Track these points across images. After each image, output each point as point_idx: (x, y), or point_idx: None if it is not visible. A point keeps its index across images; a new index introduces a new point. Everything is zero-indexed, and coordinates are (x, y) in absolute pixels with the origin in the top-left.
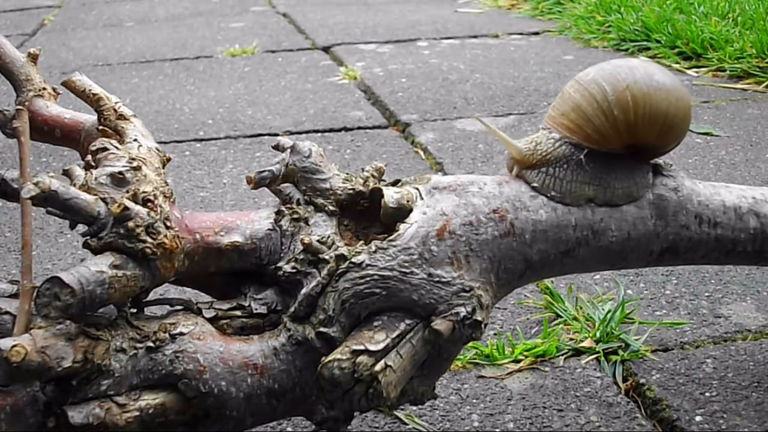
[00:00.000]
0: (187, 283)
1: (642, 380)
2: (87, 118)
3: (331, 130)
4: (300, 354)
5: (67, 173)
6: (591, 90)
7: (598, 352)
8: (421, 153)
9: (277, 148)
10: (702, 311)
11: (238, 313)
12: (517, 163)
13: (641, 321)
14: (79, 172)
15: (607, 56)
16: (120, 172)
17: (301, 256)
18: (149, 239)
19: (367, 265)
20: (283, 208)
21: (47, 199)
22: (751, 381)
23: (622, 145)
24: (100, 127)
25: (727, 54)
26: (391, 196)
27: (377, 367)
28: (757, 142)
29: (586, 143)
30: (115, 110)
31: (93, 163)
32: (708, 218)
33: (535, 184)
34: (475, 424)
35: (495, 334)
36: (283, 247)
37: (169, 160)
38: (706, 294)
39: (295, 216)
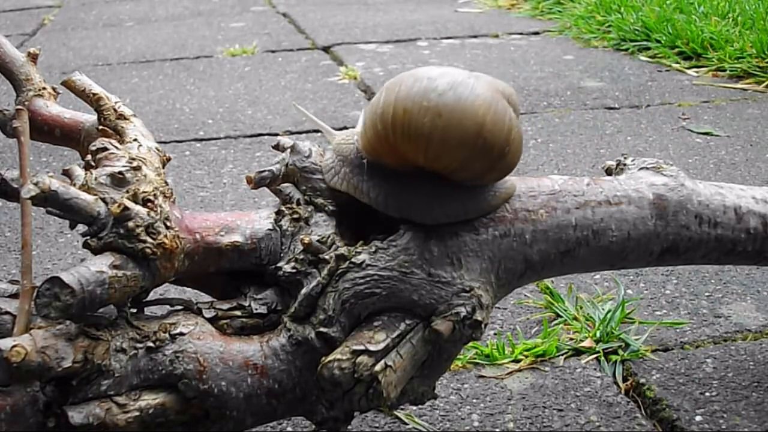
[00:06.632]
0: (187, 283)
1: (642, 380)
2: (87, 117)
3: None
4: (300, 354)
5: (67, 173)
6: (378, 96)
7: (598, 352)
8: None
9: (277, 148)
10: (702, 311)
11: (238, 313)
12: (334, 151)
13: (641, 321)
14: (79, 172)
15: (607, 56)
16: (120, 172)
17: (301, 256)
18: (149, 239)
19: (368, 265)
20: (283, 208)
21: (47, 199)
22: (751, 381)
23: (395, 162)
24: (100, 127)
25: (727, 54)
26: None
27: (377, 367)
28: (757, 142)
29: (365, 152)
30: (115, 110)
31: (93, 163)
32: (708, 218)
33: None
34: (475, 424)
35: (495, 334)
36: (283, 247)
37: (169, 160)
38: (706, 294)
39: (295, 216)
